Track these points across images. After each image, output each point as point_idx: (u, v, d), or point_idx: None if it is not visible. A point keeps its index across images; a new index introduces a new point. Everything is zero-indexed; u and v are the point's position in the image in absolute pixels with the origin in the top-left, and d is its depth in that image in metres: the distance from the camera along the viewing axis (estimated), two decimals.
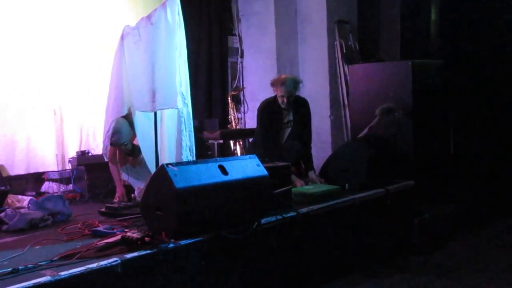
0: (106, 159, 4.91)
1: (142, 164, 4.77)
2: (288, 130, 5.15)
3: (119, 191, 4.84)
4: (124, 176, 4.87)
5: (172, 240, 3.15)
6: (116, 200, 4.74)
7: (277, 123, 5.06)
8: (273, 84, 5.00)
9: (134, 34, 4.40)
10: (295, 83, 4.98)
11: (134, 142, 4.76)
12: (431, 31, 6.75)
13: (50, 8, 5.46)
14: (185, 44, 4.08)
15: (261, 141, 5.02)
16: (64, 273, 2.66)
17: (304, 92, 6.97)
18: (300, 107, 5.15)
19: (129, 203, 4.51)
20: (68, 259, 2.90)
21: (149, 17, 4.25)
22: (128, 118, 4.69)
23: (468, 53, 6.73)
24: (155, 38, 4.16)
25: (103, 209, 4.39)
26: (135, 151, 4.75)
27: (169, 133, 4.32)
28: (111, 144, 4.70)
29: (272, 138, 5.04)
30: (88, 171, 5.29)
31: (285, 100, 4.93)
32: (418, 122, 5.66)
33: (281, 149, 5.02)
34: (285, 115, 5.09)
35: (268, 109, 5.05)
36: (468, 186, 6.09)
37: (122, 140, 4.67)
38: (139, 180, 4.87)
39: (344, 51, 6.75)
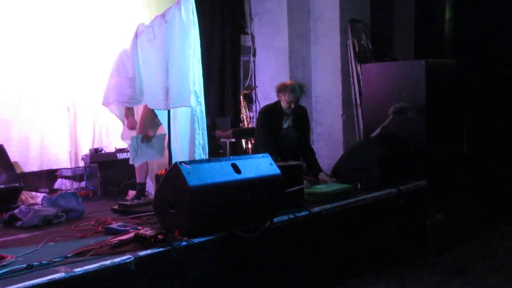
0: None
1: (156, 138, 4.71)
2: None
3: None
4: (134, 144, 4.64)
5: (185, 238, 3.16)
6: (128, 198, 4.74)
7: (277, 129, 5.06)
8: (281, 90, 4.97)
9: (148, 32, 4.40)
10: (302, 88, 5.01)
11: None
12: (445, 30, 6.69)
13: (64, 5, 5.49)
14: (199, 42, 4.08)
15: (264, 141, 4.98)
16: (78, 270, 2.67)
17: (317, 91, 6.99)
18: (300, 115, 5.17)
19: (142, 201, 4.50)
20: (82, 255, 2.92)
21: (163, 15, 4.25)
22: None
23: (483, 52, 6.66)
24: (169, 36, 4.17)
25: (116, 207, 4.41)
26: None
27: (182, 131, 4.33)
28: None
29: (274, 141, 5.02)
30: (101, 168, 5.31)
31: (292, 106, 4.94)
32: (432, 122, 5.62)
33: (279, 138, 5.00)
34: (284, 121, 5.09)
35: (269, 113, 5.06)
36: (481, 186, 6.04)
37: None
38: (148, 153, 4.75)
39: (357, 50, 6.72)
